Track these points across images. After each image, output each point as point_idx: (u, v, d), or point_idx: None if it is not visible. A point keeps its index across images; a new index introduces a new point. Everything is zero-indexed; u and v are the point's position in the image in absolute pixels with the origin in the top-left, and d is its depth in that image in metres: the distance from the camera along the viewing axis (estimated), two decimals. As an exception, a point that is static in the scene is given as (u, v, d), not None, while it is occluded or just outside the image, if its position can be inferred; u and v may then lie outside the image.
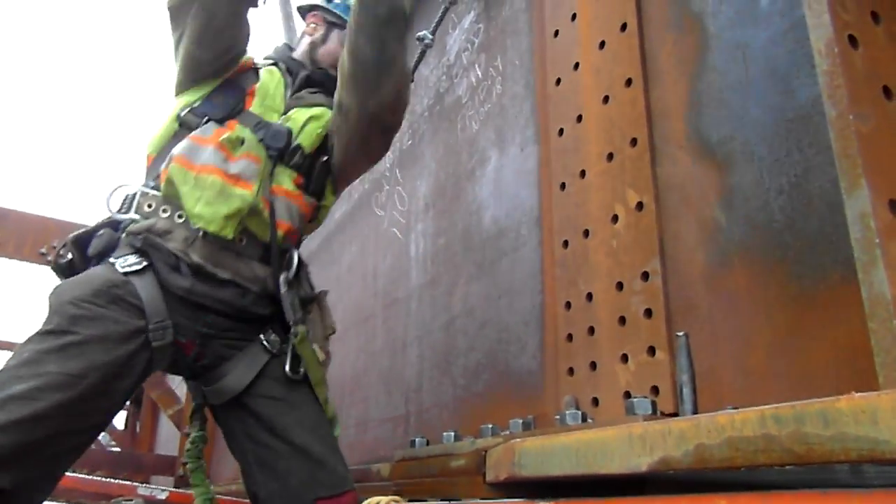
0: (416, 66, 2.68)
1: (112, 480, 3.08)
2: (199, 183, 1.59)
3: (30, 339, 1.38)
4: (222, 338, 1.64)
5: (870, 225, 0.77)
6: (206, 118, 1.70)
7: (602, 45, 1.72)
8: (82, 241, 1.63)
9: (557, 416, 1.39)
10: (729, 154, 1.34)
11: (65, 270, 1.63)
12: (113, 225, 1.64)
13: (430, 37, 2.59)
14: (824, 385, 1.09)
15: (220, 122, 1.70)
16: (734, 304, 1.27)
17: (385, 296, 2.75)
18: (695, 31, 1.48)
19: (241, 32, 1.81)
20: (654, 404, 1.19)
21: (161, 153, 1.72)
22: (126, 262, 1.54)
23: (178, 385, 5.64)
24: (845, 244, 0.82)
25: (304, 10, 2.09)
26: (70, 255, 1.63)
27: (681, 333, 1.17)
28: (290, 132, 1.75)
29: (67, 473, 1.50)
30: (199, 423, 1.77)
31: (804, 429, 0.67)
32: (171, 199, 1.62)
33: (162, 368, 1.62)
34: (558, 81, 1.87)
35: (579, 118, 1.76)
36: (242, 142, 1.67)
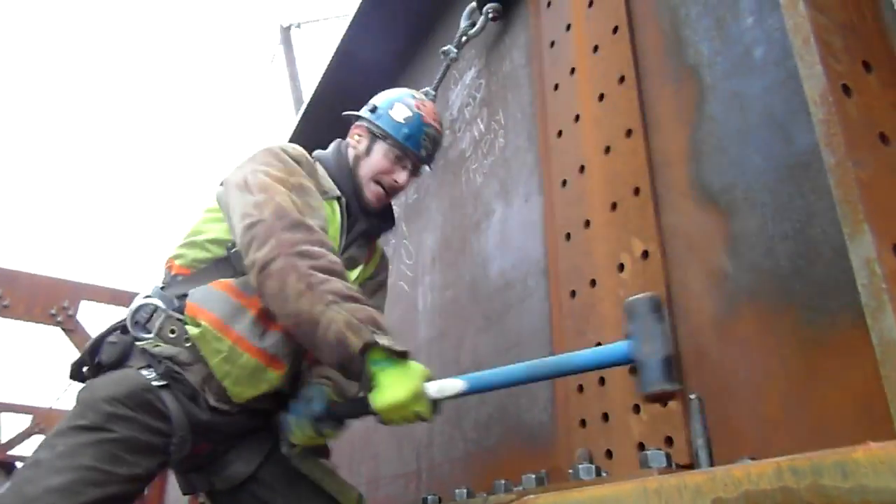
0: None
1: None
2: (231, 357, 1.51)
3: (62, 432, 1.38)
4: (237, 436, 1.67)
5: (875, 270, 0.77)
6: None
7: (601, 97, 1.75)
8: (94, 349, 1.59)
9: (571, 471, 1.37)
10: (732, 201, 1.35)
11: (80, 378, 1.61)
12: (123, 329, 1.59)
13: (433, 93, 2.65)
14: (842, 432, 1.07)
15: None
16: (745, 351, 1.26)
17: (394, 349, 2.74)
18: (692, 81, 1.51)
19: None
20: (668, 456, 1.17)
21: (195, 275, 1.63)
22: (152, 375, 1.51)
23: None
24: (853, 288, 0.81)
25: (350, 120, 2.02)
26: (85, 364, 1.60)
27: (693, 396, 1.15)
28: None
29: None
30: None
31: (822, 481, 0.66)
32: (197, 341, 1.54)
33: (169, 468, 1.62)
34: (560, 133, 1.90)
35: (582, 169, 1.78)
36: None
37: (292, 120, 4.55)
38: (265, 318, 1.54)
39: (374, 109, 1.89)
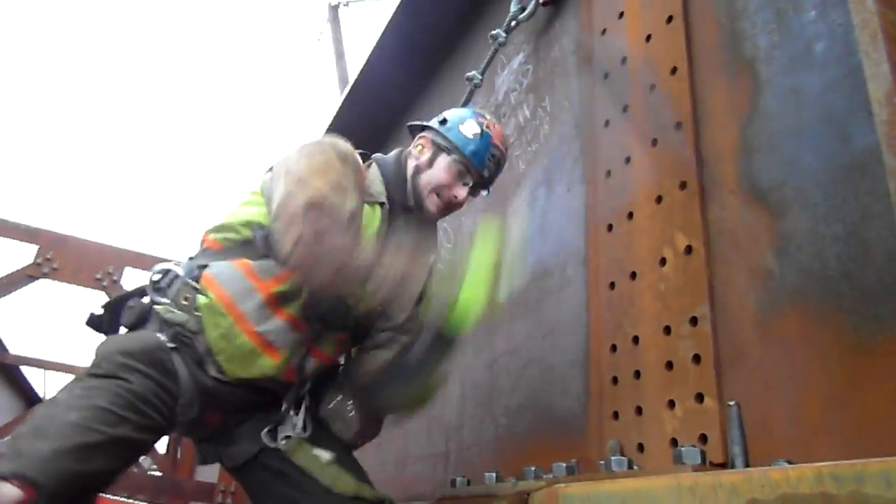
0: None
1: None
2: (229, 335, 1.56)
3: (80, 379, 1.44)
4: (240, 414, 1.70)
5: (932, 278, 0.75)
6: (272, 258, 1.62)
7: (652, 87, 1.73)
8: (115, 305, 1.66)
9: (602, 462, 1.37)
10: (781, 200, 1.32)
11: (92, 325, 1.68)
12: (143, 294, 1.65)
13: (479, 77, 2.63)
14: (883, 441, 1.05)
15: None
16: (787, 352, 1.24)
17: (428, 331, 2.76)
18: (747, 75, 1.47)
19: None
20: (703, 454, 1.16)
21: (221, 251, 1.68)
22: (164, 338, 1.57)
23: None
24: (906, 296, 0.79)
25: (415, 130, 1.97)
26: (102, 317, 1.67)
27: (732, 403, 1.13)
28: (350, 310, 1.70)
29: (110, 496, 1.55)
30: None
31: (864, 489, 0.65)
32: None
33: (180, 433, 1.68)
34: (607, 123, 1.88)
35: (627, 160, 1.76)
36: (291, 302, 1.61)
37: (336, 99, 4.57)
38: (273, 304, 1.59)
39: (443, 122, 1.85)
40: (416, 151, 1.86)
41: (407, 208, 1.82)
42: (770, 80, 1.41)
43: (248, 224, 1.67)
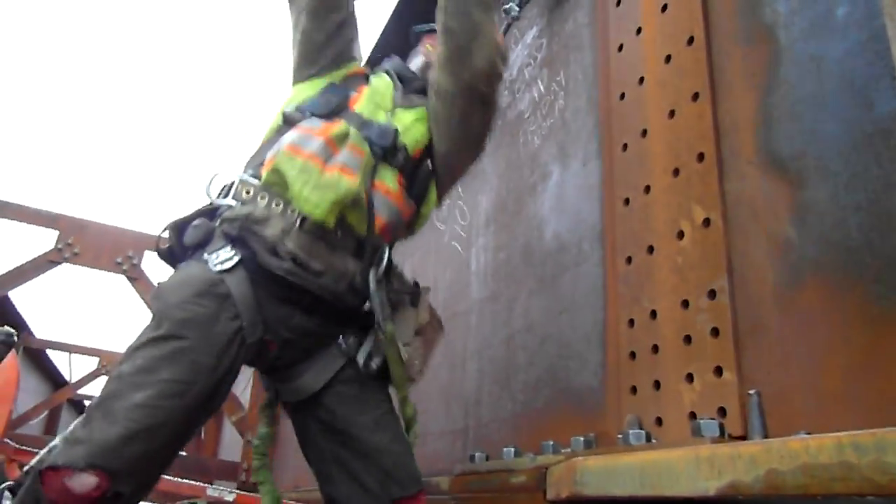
0: None
1: (183, 481, 3.17)
2: (306, 168, 1.59)
3: (140, 345, 1.41)
4: (302, 342, 1.65)
5: (957, 245, 0.74)
6: (311, 114, 1.73)
7: (668, 58, 1.70)
8: (181, 227, 1.66)
9: (620, 435, 1.37)
10: (802, 169, 1.30)
11: (166, 256, 1.68)
12: (209, 214, 1.66)
13: (517, 8, 2.58)
14: (905, 412, 1.04)
15: (325, 118, 1.72)
16: (807, 324, 1.23)
17: (445, 309, 2.76)
18: (766, 43, 1.44)
19: (346, 21, 1.88)
20: (721, 426, 1.16)
21: (264, 145, 1.76)
22: (219, 259, 1.55)
23: (241, 392, 5.78)
24: (929, 264, 0.78)
25: (422, 32, 2.11)
26: (170, 242, 1.66)
27: (753, 391, 1.12)
28: (395, 131, 1.76)
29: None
30: (267, 420, 1.78)
31: (886, 458, 0.64)
32: (272, 186, 1.61)
33: (245, 362, 1.62)
34: (622, 96, 1.85)
35: (644, 133, 1.74)
36: (347, 136, 1.67)
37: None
38: (333, 144, 1.64)
39: None
40: (426, 50, 2.03)
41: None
42: (790, 46, 1.38)
43: (281, 113, 1.78)
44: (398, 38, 3.52)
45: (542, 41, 2.45)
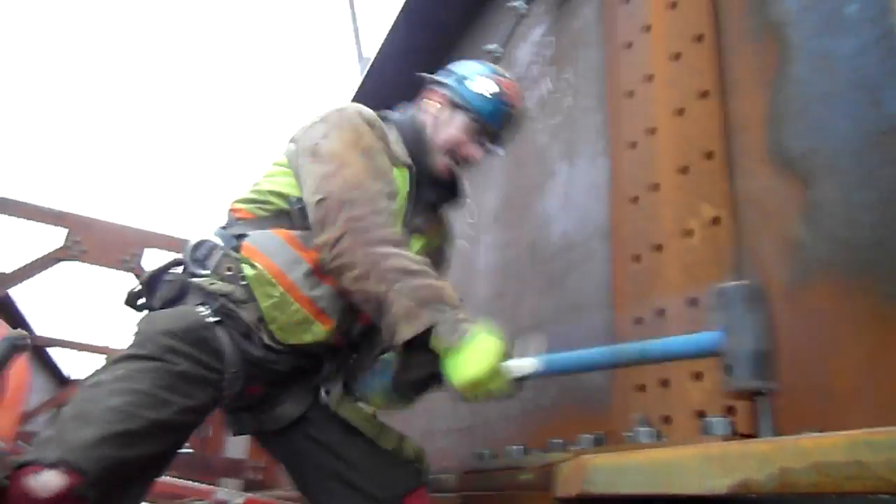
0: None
1: (189, 483, 3.18)
2: (282, 304, 1.53)
3: (122, 358, 1.41)
4: (287, 381, 1.68)
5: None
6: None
7: (677, 56, 1.69)
8: (152, 280, 1.63)
9: (629, 433, 1.37)
10: (812, 168, 1.29)
11: (135, 307, 1.65)
12: (181, 265, 1.63)
13: (501, 50, 2.60)
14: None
15: None
16: (817, 323, 1.23)
17: (451, 307, 2.76)
18: (775, 40, 1.44)
19: None
20: (731, 425, 1.15)
21: (256, 220, 1.66)
22: (206, 312, 1.54)
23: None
24: (942, 263, 0.78)
25: (427, 82, 1.92)
26: (141, 296, 1.64)
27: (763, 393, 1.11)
28: None
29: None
30: None
31: (900, 456, 0.64)
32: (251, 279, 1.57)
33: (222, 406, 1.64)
34: (631, 94, 1.85)
35: (652, 131, 1.73)
36: None
37: (355, 74, 4.56)
38: (319, 272, 1.56)
39: (458, 79, 1.81)
40: (433, 108, 1.82)
41: (427, 168, 1.79)
42: (800, 44, 1.38)
43: (280, 195, 1.65)
44: (407, 36, 3.52)
45: (550, 39, 2.45)
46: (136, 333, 1.47)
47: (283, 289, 1.53)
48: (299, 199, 1.62)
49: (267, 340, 1.55)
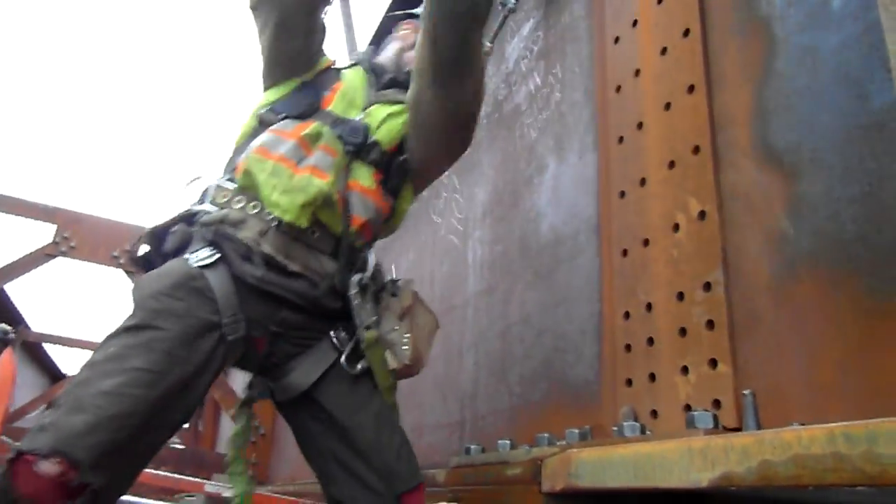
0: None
1: (181, 477, 3.18)
2: (276, 171, 1.58)
3: (115, 334, 1.39)
4: (292, 336, 1.64)
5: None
6: (284, 116, 1.72)
7: (664, 51, 1.70)
8: (158, 234, 1.64)
9: (615, 428, 1.38)
10: (797, 162, 1.30)
11: (140, 264, 1.66)
12: (187, 219, 1.64)
13: (490, 44, 2.59)
14: (898, 403, 1.04)
15: (298, 118, 1.71)
16: (801, 316, 1.23)
17: (442, 302, 2.77)
18: (761, 35, 1.44)
19: (315, 30, 1.84)
20: (715, 418, 1.16)
21: (239, 148, 1.75)
22: (198, 257, 1.53)
23: (239, 386, 5.79)
24: (923, 256, 0.78)
25: (398, 19, 2.12)
26: (145, 249, 1.65)
27: (747, 392, 1.12)
28: (367, 128, 1.74)
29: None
30: (244, 418, 1.76)
31: (877, 449, 0.64)
32: (247, 189, 1.61)
33: (233, 364, 1.61)
34: (619, 88, 1.85)
35: (640, 125, 1.74)
36: (320, 136, 1.66)
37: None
38: (306, 145, 1.63)
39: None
40: (402, 35, 2.04)
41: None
42: (785, 39, 1.38)
43: (255, 115, 1.78)
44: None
45: (539, 33, 2.45)
46: (132, 303, 1.46)
47: (274, 160, 1.60)
48: (265, 106, 1.76)
49: (268, 250, 1.55)
